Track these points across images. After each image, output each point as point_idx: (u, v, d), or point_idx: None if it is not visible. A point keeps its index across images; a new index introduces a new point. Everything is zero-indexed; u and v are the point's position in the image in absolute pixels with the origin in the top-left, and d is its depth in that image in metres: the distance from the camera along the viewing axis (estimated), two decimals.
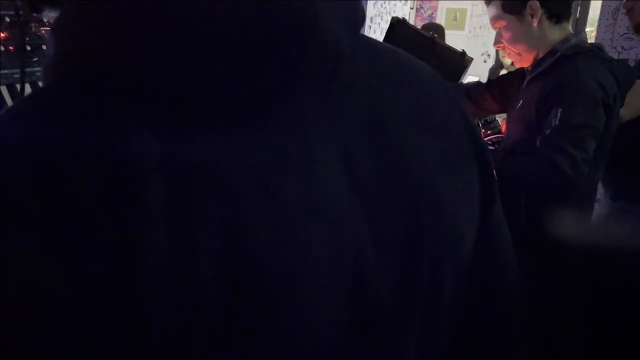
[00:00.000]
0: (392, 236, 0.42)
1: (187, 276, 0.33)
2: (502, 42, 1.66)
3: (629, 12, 1.80)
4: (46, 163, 0.32)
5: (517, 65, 1.72)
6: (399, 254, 0.42)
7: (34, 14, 0.44)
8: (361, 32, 0.44)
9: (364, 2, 3.75)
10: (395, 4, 4.51)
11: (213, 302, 0.33)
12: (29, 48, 1.37)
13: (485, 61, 4.85)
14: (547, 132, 1.46)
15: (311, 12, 0.36)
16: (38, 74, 1.31)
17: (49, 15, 0.42)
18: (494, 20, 1.65)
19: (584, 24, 3.08)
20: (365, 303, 0.40)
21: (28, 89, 1.28)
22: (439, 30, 3.69)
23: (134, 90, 0.34)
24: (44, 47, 1.31)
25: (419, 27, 2.39)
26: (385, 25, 2.17)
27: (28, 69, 1.32)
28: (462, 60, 1.98)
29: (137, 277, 0.32)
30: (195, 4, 0.34)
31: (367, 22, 3.88)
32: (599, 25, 2.80)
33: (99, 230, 0.31)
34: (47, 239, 0.31)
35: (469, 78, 2.35)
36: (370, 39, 0.48)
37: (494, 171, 0.53)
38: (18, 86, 1.24)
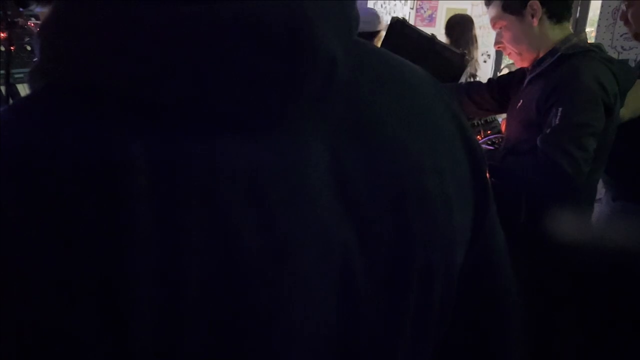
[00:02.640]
0: (382, 245, 0.41)
1: (176, 284, 0.32)
2: (502, 43, 1.66)
3: (627, 22, 1.80)
4: (32, 171, 0.32)
5: (518, 65, 1.72)
6: (388, 262, 0.42)
7: (20, 9, 0.44)
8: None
9: (364, 2, 3.75)
10: (395, 4, 4.52)
11: (203, 311, 0.33)
12: (28, 48, 1.37)
13: (485, 61, 4.85)
14: (548, 131, 1.46)
15: (304, 18, 0.36)
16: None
17: (38, 11, 0.42)
18: (494, 20, 1.65)
19: (584, 24, 3.08)
20: (354, 311, 0.40)
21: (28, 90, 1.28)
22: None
23: (124, 97, 0.34)
24: None
25: (419, 27, 2.40)
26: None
27: (28, 70, 1.32)
28: (461, 60, 1.98)
29: (126, 285, 0.31)
30: (189, 10, 0.33)
31: None
32: (598, 26, 2.80)
33: (89, 237, 0.31)
34: (35, 246, 0.31)
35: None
36: (365, 42, 0.48)
37: (494, 171, 0.53)
38: (19, 86, 1.24)
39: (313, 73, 0.37)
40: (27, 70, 1.31)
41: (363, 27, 2.17)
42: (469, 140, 0.50)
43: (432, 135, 0.47)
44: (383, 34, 2.11)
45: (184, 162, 0.34)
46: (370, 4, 3.89)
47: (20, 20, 1.23)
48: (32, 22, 1.28)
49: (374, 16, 2.36)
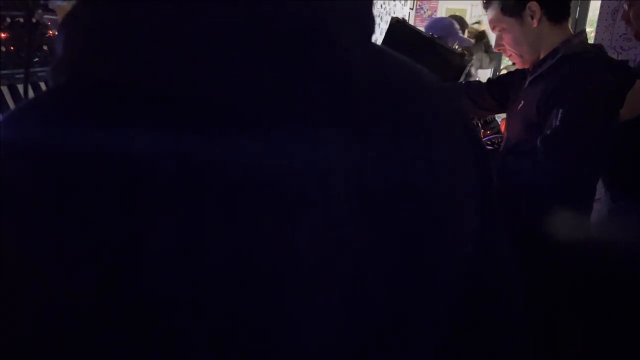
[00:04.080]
0: (392, 239, 0.42)
1: (193, 275, 0.33)
2: (503, 45, 1.66)
3: (628, 22, 1.80)
4: (54, 163, 0.32)
5: (519, 67, 1.72)
6: (398, 258, 0.42)
7: (41, 1, 0.44)
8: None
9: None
10: (395, 5, 4.51)
11: (220, 302, 0.34)
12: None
13: None
14: (548, 132, 1.47)
15: (317, 19, 0.36)
16: (40, 74, 1.31)
17: (58, 4, 0.42)
18: (493, 23, 1.65)
19: (583, 24, 3.08)
20: (364, 304, 0.40)
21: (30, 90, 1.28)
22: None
23: (144, 91, 0.35)
24: (45, 47, 1.31)
25: (419, 27, 2.42)
26: (385, 26, 2.17)
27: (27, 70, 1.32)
28: (461, 60, 1.98)
29: (143, 277, 0.32)
30: (207, 8, 0.34)
31: None
32: (598, 26, 2.79)
33: (107, 230, 0.32)
34: (56, 238, 0.31)
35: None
36: (377, 45, 0.48)
37: (494, 171, 0.53)
38: (19, 87, 1.25)
39: (328, 75, 0.37)
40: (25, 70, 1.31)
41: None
42: (474, 140, 0.51)
43: (440, 135, 0.47)
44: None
45: (196, 159, 0.34)
46: None
47: (36, 15, 1.23)
48: (46, 17, 1.28)
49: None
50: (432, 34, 2.07)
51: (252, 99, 0.35)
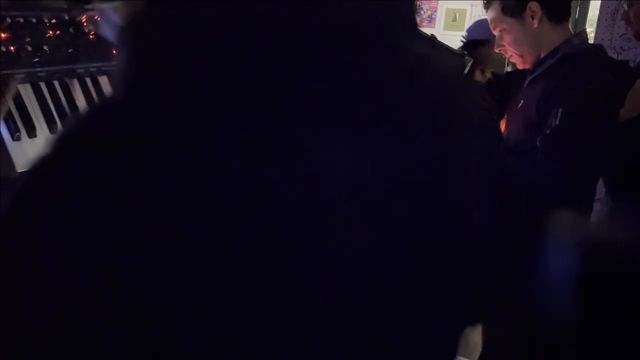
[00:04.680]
0: (393, 239, 0.42)
1: (194, 275, 0.33)
2: (503, 45, 1.66)
3: (628, 22, 1.81)
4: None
5: (520, 67, 1.72)
6: (399, 257, 0.42)
7: (83, 5, 0.45)
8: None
9: None
10: None
11: (221, 302, 0.34)
12: (29, 48, 1.37)
13: None
14: (548, 132, 1.47)
15: (322, 21, 0.36)
16: (39, 74, 1.31)
17: (97, 8, 0.43)
18: (493, 23, 1.65)
19: (583, 24, 3.08)
20: (365, 304, 0.40)
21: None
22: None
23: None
24: (45, 47, 1.31)
25: (419, 27, 2.41)
26: None
27: (28, 70, 1.32)
28: (461, 61, 1.98)
29: (143, 277, 0.32)
30: (208, 8, 0.34)
31: None
32: (598, 26, 2.80)
33: (107, 230, 0.32)
34: (56, 237, 0.32)
35: None
36: (390, 38, 0.48)
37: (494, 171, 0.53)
38: (19, 87, 1.25)
39: (324, 73, 0.37)
40: (27, 70, 1.31)
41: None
42: (491, 138, 0.51)
43: (455, 133, 0.47)
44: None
45: (197, 158, 0.34)
46: None
47: (77, 13, 1.23)
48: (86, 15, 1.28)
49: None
50: (432, 34, 2.07)
51: (253, 98, 0.35)
